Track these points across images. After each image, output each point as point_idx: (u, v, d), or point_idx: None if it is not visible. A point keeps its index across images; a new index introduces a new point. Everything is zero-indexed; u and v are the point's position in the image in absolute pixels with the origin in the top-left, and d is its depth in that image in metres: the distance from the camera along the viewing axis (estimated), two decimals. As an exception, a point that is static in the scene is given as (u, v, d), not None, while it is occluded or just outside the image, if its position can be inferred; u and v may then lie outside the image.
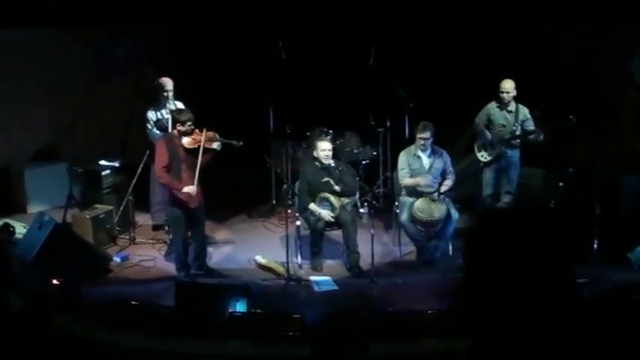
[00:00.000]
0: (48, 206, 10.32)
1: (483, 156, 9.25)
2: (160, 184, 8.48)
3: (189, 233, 8.58)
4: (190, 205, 8.30)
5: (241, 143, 8.51)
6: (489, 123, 9.21)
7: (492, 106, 9.19)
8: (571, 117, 8.62)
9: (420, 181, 8.78)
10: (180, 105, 9.41)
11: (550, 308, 1.99)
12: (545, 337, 1.99)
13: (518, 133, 9.07)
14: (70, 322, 6.73)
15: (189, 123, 8.19)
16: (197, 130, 8.28)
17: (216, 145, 8.34)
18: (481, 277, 2.05)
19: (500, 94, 9.02)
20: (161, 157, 8.21)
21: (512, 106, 9.08)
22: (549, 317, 1.99)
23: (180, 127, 8.19)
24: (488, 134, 9.16)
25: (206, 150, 8.24)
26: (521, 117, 9.07)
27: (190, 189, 8.17)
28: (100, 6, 9.41)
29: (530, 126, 9.03)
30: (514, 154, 9.18)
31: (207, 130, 8.30)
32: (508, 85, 9.00)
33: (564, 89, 10.34)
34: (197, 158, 8.18)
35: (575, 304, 2.02)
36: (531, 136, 8.97)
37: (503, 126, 9.12)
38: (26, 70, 10.79)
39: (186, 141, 8.20)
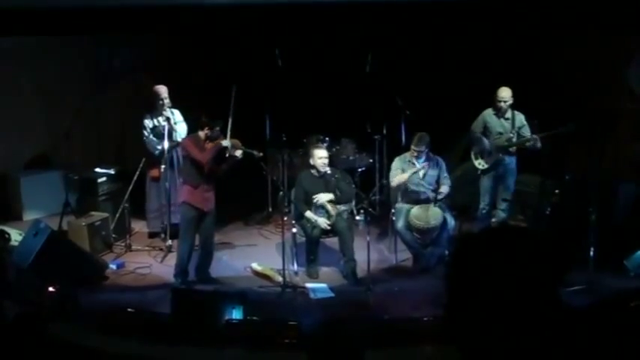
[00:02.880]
0: (44, 213, 10.32)
1: (480, 164, 9.25)
2: (196, 172, 8.32)
3: (202, 241, 8.63)
4: (205, 207, 8.33)
5: (261, 154, 8.58)
6: (486, 130, 9.21)
7: (489, 114, 9.19)
8: (570, 123, 8.64)
9: (407, 175, 8.76)
10: (176, 113, 9.44)
11: (534, 327, 2.00)
12: (532, 354, 2.00)
13: (515, 140, 9.08)
14: (65, 330, 6.70)
15: (218, 128, 8.23)
16: (222, 137, 8.32)
17: (238, 154, 8.39)
18: (464, 301, 2.06)
19: (498, 103, 9.02)
20: (195, 150, 8.24)
21: (508, 114, 9.08)
22: (534, 336, 2.00)
23: (207, 131, 8.23)
24: (486, 142, 9.16)
25: (229, 157, 8.27)
26: (517, 124, 9.07)
27: (225, 142, 8.24)
28: (96, 15, 9.41)
29: (527, 133, 9.04)
30: (511, 161, 9.18)
31: (232, 138, 8.34)
32: (505, 94, 9.00)
33: (561, 98, 10.35)
34: (218, 164, 8.26)
35: (560, 322, 2.03)
36: (528, 143, 8.97)
37: (501, 133, 9.13)
38: (23, 78, 10.81)
39: (210, 146, 8.24)
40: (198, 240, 8.68)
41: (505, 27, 9.94)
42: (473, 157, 9.34)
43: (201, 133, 8.33)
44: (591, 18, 9.22)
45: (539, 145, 8.88)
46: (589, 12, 9.14)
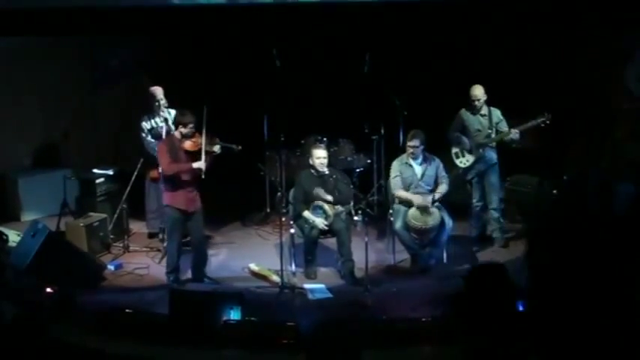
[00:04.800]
0: (42, 214, 10.31)
1: (462, 162, 9.32)
2: (170, 177, 8.33)
3: (190, 240, 8.61)
4: (189, 208, 8.32)
5: (240, 147, 8.57)
6: (464, 129, 9.28)
7: (465, 112, 9.26)
8: (545, 114, 8.70)
9: (415, 199, 8.76)
10: (174, 113, 9.43)
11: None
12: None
13: (493, 135, 9.13)
14: (63, 331, 6.71)
15: (191, 125, 8.24)
16: (197, 133, 8.32)
17: (216, 148, 8.39)
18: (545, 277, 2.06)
19: (472, 102, 9.10)
20: (164, 157, 8.25)
21: (484, 110, 9.15)
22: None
23: (182, 129, 8.24)
24: (465, 140, 9.23)
25: (206, 153, 8.26)
26: (495, 119, 9.14)
27: (200, 164, 8.21)
28: (94, 16, 9.42)
29: (504, 127, 9.11)
30: (491, 157, 9.23)
31: (208, 134, 8.33)
32: (478, 92, 9.09)
33: (558, 97, 10.36)
34: (197, 161, 8.22)
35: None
36: (507, 137, 9.03)
37: (479, 130, 9.19)
38: (21, 79, 10.79)
39: (187, 144, 8.25)
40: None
41: (504, 27, 9.95)
42: (454, 156, 9.38)
43: (177, 133, 8.34)
44: (590, 16, 9.24)
45: (517, 137, 8.94)
46: (588, 10, 9.16)
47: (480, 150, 9.17)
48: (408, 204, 8.79)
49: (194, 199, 8.39)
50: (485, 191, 9.33)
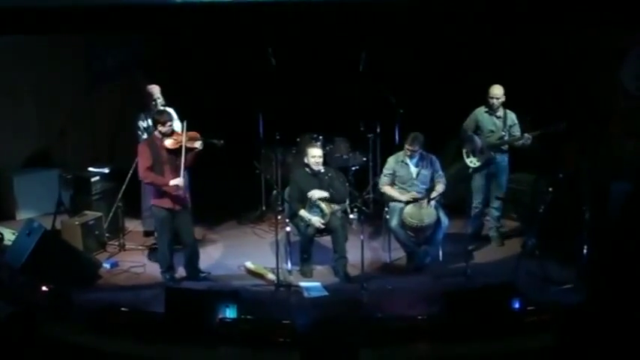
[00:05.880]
0: (37, 213, 10.30)
1: (472, 162, 9.27)
2: (146, 184, 8.44)
3: (182, 239, 8.58)
4: (175, 206, 8.31)
5: (222, 142, 8.54)
6: (478, 129, 9.23)
7: (481, 112, 9.21)
8: (563, 121, 8.68)
9: (402, 197, 8.76)
10: (171, 112, 9.42)
11: None
12: None
13: (506, 138, 9.11)
14: (59, 329, 6.71)
15: (169, 123, 8.23)
16: (178, 131, 8.30)
17: (198, 145, 8.33)
18: None
19: (490, 100, 9.06)
20: (144, 160, 8.23)
21: (500, 112, 9.11)
22: None
23: (161, 128, 8.22)
24: (478, 140, 9.18)
25: (188, 150, 8.23)
26: (509, 122, 9.11)
27: (178, 181, 8.17)
28: (90, 14, 9.42)
29: (517, 131, 9.09)
30: (503, 159, 9.21)
31: (189, 131, 8.29)
32: (497, 91, 9.03)
33: (554, 96, 10.37)
34: (179, 159, 8.18)
35: None
36: (519, 142, 9.01)
37: (492, 131, 9.15)
38: (16, 77, 10.79)
39: (168, 142, 8.21)
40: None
41: (499, 26, 9.95)
42: (464, 155, 9.34)
43: (156, 132, 8.33)
44: (586, 14, 9.24)
45: (529, 142, 8.93)
46: (583, 9, 9.17)
47: (492, 152, 9.14)
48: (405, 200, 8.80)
49: (179, 196, 8.33)
50: (491, 191, 9.30)
